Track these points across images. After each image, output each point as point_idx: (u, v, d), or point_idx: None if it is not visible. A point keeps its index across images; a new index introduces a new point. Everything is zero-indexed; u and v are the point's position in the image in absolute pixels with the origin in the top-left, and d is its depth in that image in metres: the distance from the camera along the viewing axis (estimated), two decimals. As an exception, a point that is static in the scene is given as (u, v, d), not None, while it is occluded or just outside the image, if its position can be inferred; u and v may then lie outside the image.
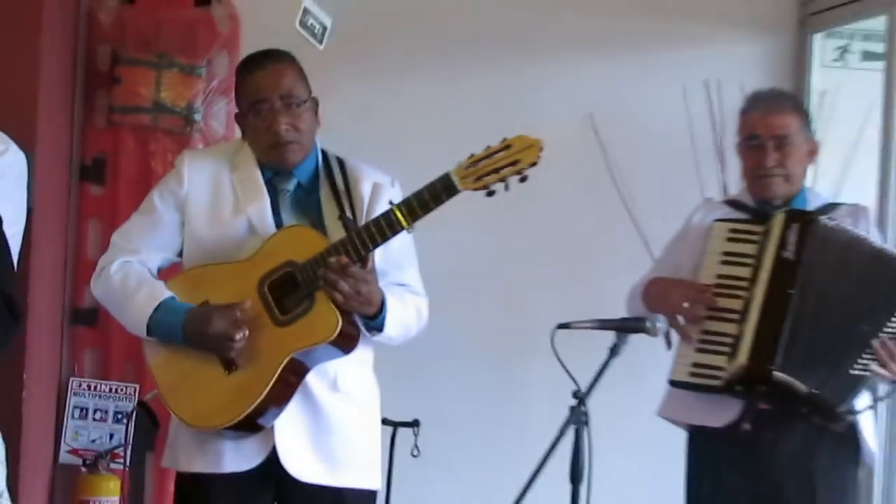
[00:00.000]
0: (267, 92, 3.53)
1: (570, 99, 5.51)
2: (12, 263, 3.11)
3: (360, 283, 3.38)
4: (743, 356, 3.72)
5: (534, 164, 3.33)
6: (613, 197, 5.34)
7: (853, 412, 3.80)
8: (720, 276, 3.87)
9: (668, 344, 3.99)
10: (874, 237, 3.93)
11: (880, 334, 3.69)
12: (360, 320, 3.52)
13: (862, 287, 3.77)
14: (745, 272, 3.84)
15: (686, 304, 3.88)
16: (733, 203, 4.16)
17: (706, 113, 5.34)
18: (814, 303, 3.74)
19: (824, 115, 5.35)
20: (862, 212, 4.07)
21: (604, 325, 3.67)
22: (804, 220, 3.83)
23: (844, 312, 3.75)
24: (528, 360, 4.87)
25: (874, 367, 3.70)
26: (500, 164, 3.33)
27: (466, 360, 5.43)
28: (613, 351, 3.59)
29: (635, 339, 3.71)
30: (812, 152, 4.08)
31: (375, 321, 3.51)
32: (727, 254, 3.89)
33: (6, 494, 3.20)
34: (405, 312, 3.61)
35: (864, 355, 3.70)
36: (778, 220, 3.85)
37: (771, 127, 3.97)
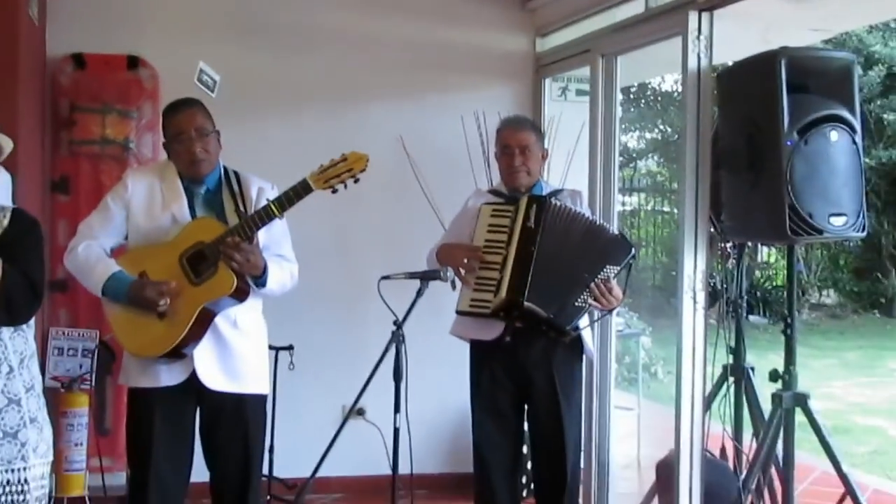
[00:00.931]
0: (185, 126, 3.50)
1: (386, 126, 5.45)
2: (41, 258, 3.10)
3: (249, 254, 3.39)
4: (503, 292, 3.73)
5: (363, 171, 3.40)
6: (418, 191, 5.31)
7: (577, 329, 3.85)
8: (487, 241, 3.85)
9: (453, 286, 3.99)
10: (587, 212, 3.97)
11: (596, 279, 3.72)
12: (250, 279, 3.49)
13: (581, 247, 3.77)
14: (502, 237, 3.83)
15: (465, 260, 3.90)
16: (494, 192, 4.15)
17: (476, 133, 5.32)
18: (549, 257, 3.73)
19: (553, 132, 5.44)
20: (578, 195, 4.13)
21: (412, 275, 3.74)
22: (539, 201, 3.83)
23: (570, 263, 3.75)
24: (365, 301, 4.69)
25: (591, 301, 3.76)
26: (340, 171, 3.37)
27: (324, 303, 5.37)
28: (419, 293, 3.68)
29: (434, 285, 3.75)
30: (544, 156, 4.14)
31: (261, 280, 3.51)
32: (491, 226, 3.88)
33: (48, 420, 3.19)
34: (282, 274, 3.60)
35: (584, 293, 3.74)
36: (523, 201, 3.85)
37: (517, 140, 4.01)
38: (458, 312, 3.94)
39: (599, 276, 3.75)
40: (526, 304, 3.73)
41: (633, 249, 3.84)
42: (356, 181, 3.37)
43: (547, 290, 3.75)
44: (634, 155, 17.52)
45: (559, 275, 3.77)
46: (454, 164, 5.37)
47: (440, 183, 5.37)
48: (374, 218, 5.54)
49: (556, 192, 4.09)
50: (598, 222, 3.95)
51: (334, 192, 3.37)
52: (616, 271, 3.79)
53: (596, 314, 3.96)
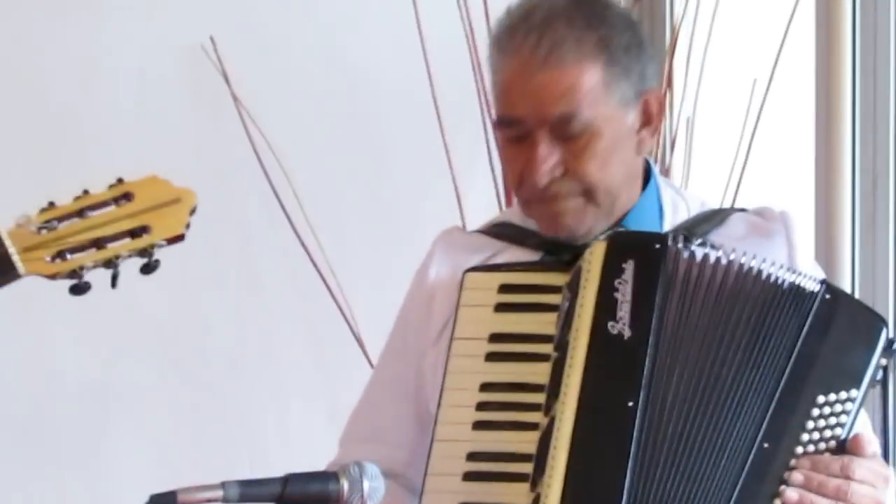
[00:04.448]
0: None
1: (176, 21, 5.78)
2: None
3: None
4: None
5: (178, 240, 3.21)
6: (268, 208, 5.67)
7: None
8: (486, 387, 3.72)
9: None
10: (804, 270, 3.79)
11: (797, 450, 3.58)
12: None
13: (754, 365, 3.66)
14: (537, 372, 3.66)
15: None
16: (502, 231, 3.99)
17: (458, 22, 5.33)
18: (675, 419, 3.61)
19: (687, 26, 5.60)
20: (777, 221, 3.93)
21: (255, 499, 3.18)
22: (644, 255, 3.63)
23: (729, 428, 3.63)
24: None
25: None
26: (109, 233, 3.23)
27: None
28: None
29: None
30: (649, 115, 3.86)
31: None
32: (496, 337, 3.75)
33: None
34: None
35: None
36: (596, 255, 3.65)
37: (539, 101, 3.77)
38: None
39: (807, 441, 3.61)
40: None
41: (884, 323, 3.65)
42: (149, 269, 3.21)
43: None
44: None
45: (701, 471, 3.56)
46: (384, 119, 5.78)
47: (338, 180, 5.69)
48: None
49: (705, 220, 3.94)
50: (785, 279, 3.77)
51: (79, 290, 3.20)
52: (861, 397, 3.57)
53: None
